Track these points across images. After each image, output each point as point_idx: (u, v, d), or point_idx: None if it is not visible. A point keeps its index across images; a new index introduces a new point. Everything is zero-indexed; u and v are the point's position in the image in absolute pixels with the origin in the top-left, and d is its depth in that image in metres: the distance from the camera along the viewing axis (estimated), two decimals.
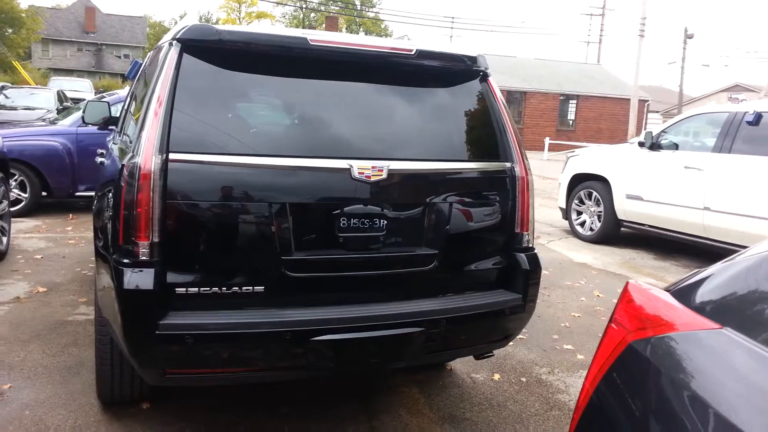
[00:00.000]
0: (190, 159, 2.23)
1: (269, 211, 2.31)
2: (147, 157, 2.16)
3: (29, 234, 6.44)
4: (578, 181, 7.94)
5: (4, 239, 5.44)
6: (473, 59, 2.78)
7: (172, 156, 2.19)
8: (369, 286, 2.51)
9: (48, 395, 3.01)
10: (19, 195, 7.20)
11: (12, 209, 6.25)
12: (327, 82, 2.61)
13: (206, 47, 2.36)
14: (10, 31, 32.00)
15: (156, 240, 2.17)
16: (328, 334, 2.30)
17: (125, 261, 2.18)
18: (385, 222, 2.46)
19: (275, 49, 2.47)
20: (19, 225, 6.63)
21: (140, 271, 2.15)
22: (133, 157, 2.21)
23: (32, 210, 7.33)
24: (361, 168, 2.39)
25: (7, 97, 15.21)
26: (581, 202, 7.90)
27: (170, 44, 2.38)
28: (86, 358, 3.37)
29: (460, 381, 3.46)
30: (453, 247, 2.62)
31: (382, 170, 2.42)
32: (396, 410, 3.07)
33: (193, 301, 2.24)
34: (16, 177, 7.09)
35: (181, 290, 2.23)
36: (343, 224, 2.39)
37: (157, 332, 2.15)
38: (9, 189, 5.92)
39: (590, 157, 7.98)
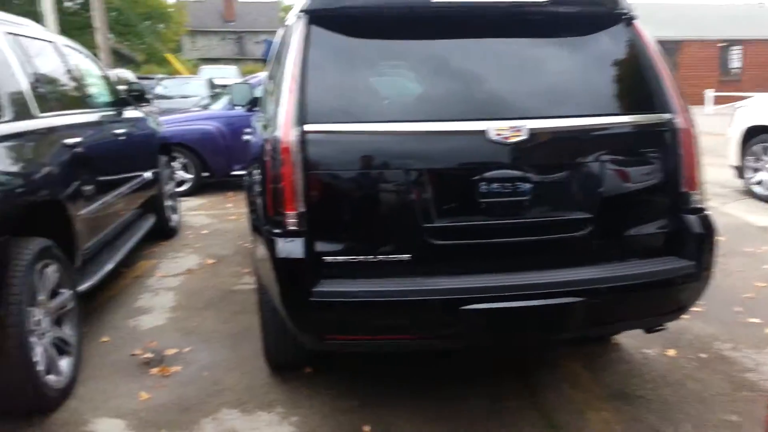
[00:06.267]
0: (327, 129, 2.27)
1: (406, 178, 2.29)
2: (286, 131, 2.23)
3: (195, 212, 7.00)
4: (752, 134, 7.00)
5: (175, 217, 5.95)
6: (614, 1, 2.54)
7: (309, 128, 2.24)
8: (518, 253, 2.39)
9: (222, 358, 3.23)
10: (183, 176, 7.85)
11: (179, 189, 6.83)
12: (454, 40, 2.51)
13: (331, 15, 2.39)
14: (161, 26, 35.03)
15: (302, 210, 2.24)
16: (477, 302, 2.22)
17: (276, 231, 2.27)
18: (529, 186, 2.32)
19: (397, 11, 2.44)
20: (186, 204, 7.22)
21: (291, 240, 2.24)
22: (273, 131, 2.29)
23: (196, 190, 7.96)
24: (498, 129, 2.27)
25: (165, 87, 16.72)
26: (758, 158, 6.99)
27: (297, 17, 2.43)
28: (253, 324, 3.56)
29: (629, 356, 3.20)
30: (609, 210, 2.42)
31: (520, 130, 2.29)
32: (559, 385, 2.91)
33: (342, 269, 2.29)
34: (179, 160, 7.71)
35: (329, 259, 2.29)
36: (484, 189, 2.30)
37: (311, 299, 2.21)
38: (173, 171, 6.47)
39: (765, 107, 7.01)
